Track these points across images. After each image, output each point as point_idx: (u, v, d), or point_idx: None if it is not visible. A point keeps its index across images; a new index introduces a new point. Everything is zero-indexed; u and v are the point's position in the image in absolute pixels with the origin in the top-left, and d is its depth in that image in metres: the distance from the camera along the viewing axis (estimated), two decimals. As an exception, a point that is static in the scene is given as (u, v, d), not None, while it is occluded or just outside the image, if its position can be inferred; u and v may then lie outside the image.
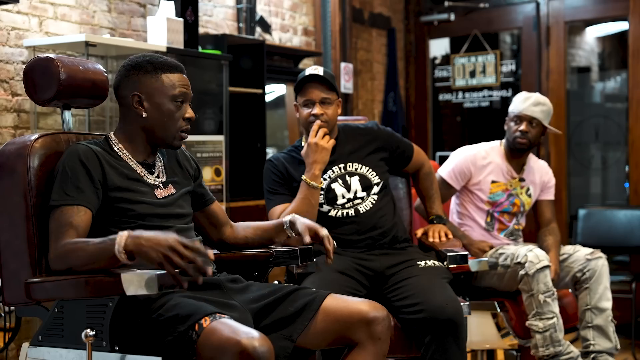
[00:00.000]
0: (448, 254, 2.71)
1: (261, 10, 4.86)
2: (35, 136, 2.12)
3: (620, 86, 6.25)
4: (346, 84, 5.36)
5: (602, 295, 3.28)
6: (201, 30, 4.23)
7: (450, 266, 2.73)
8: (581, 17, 5.67)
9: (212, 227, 2.39)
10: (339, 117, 3.00)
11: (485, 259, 3.20)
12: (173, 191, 2.19)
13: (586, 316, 3.28)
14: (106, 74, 2.28)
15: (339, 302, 2.11)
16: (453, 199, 3.57)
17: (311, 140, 2.83)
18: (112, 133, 2.19)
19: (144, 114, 2.11)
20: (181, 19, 3.77)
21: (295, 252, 2.37)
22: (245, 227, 2.41)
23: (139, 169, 2.15)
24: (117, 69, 2.42)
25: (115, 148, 2.15)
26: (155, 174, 2.18)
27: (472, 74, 5.93)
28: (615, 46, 6.45)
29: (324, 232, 2.26)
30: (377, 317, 2.08)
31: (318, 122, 2.85)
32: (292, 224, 2.32)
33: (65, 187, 2.01)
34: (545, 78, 5.60)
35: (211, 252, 1.81)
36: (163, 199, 2.15)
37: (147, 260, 1.79)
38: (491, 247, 3.39)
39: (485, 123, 6.24)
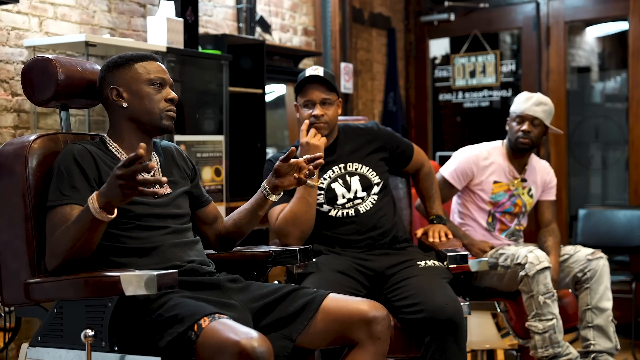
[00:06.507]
0: (448, 254, 2.71)
1: (261, 10, 4.86)
2: (33, 137, 2.12)
3: (620, 86, 6.24)
4: (346, 84, 5.36)
5: (603, 295, 3.27)
6: (201, 30, 4.22)
7: (450, 266, 2.73)
8: (581, 17, 5.66)
9: (207, 226, 2.39)
10: (339, 117, 3.00)
11: (485, 259, 3.20)
12: (169, 190, 2.19)
13: (586, 316, 3.28)
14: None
15: (338, 302, 2.11)
16: (454, 199, 3.57)
17: (302, 141, 2.84)
18: (105, 134, 2.19)
19: (125, 104, 2.14)
20: (181, 19, 3.76)
21: (294, 252, 2.37)
22: (229, 216, 2.41)
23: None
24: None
25: (110, 147, 2.16)
26: (152, 173, 2.17)
27: (472, 74, 5.92)
28: (615, 46, 6.44)
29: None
30: (376, 316, 2.08)
31: (306, 122, 2.86)
32: (272, 186, 2.29)
33: (61, 187, 2.02)
34: (545, 78, 5.59)
35: (142, 146, 1.80)
36: (159, 198, 2.15)
37: (120, 200, 1.84)
38: (492, 248, 3.39)
39: (485, 123, 6.23)
